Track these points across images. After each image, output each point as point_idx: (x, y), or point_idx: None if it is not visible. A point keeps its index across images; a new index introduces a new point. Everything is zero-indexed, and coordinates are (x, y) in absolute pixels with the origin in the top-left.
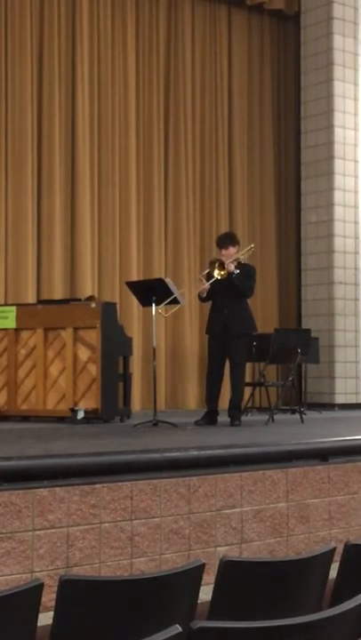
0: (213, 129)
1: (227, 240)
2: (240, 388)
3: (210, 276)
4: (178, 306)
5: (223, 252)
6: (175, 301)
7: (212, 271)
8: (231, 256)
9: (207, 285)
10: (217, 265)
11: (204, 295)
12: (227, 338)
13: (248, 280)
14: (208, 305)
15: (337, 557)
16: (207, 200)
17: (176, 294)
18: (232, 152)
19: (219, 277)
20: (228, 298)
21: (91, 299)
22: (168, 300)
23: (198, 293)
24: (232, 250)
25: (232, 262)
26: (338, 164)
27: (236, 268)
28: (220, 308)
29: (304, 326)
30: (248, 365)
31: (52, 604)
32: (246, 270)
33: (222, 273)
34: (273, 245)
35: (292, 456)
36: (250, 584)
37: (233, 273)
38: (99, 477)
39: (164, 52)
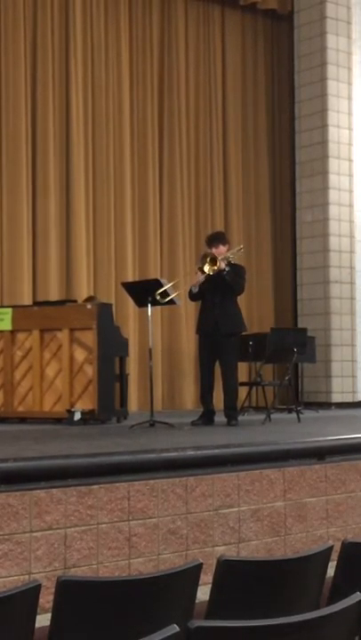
0: (208, 129)
1: (217, 239)
2: (233, 387)
3: (201, 270)
4: (171, 296)
5: (214, 250)
6: (171, 302)
7: (204, 265)
8: (221, 254)
9: (201, 278)
10: (209, 259)
11: (197, 289)
12: (217, 337)
13: (238, 277)
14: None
15: (334, 556)
16: (202, 200)
17: (172, 295)
18: (227, 152)
19: (211, 273)
20: (218, 296)
21: (91, 299)
22: (162, 290)
23: (190, 287)
24: (222, 248)
25: (222, 260)
26: (332, 163)
27: (226, 266)
28: (210, 307)
29: (300, 325)
30: (245, 365)
31: (50, 605)
32: (236, 269)
33: (214, 268)
34: (268, 245)
35: (289, 455)
36: (248, 583)
37: (224, 270)
38: (96, 478)
39: (158, 53)
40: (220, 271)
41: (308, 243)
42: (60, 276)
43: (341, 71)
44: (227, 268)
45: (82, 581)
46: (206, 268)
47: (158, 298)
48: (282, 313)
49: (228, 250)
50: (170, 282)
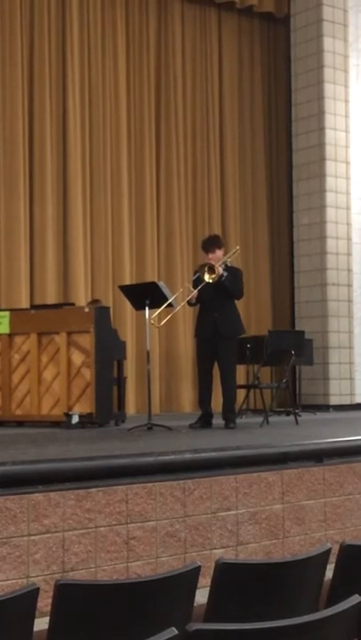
0: (205, 132)
1: (213, 243)
2: (232, 390)
3: (199, 280)
4: (172, 312)
5: (210, 255)
6: (168, 305)
7: (203, 275)
8: (219, 259)
9: (195, 292)
10: (207, 269)
11: (194, 301)
12: (216, 340)
13: (237, 282)
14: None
15: (332, 558)
16: (199, 203)
17: (170, 298)
18: (224, 155)
19: (210, 281)
20: (216, 300)
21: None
22: (164, 306)
23: (188, 300)
24: (219, 253)
25: (220, 265)
26: (329, 166)
27: (224, 270)
28: (209, 311)
29: (298, 328)
30: (242, 368)
31: (49, 608)
32: (234, 273)
33: (213, 276)
34: (266, 248)
35: (287, 458)
36: (246, 586)
37: (223, 275)
38: (94, 481)
39: (155, 56)
40: (219, 277)
41: (305, 245)
42: (58, 279)
43: (338, 74)
44: (225, 274)
45: (80, 585)
46: (206, 277)
47: (153, 322)
48: (279, 315)
49: (224, 253)
50: (167, 284)
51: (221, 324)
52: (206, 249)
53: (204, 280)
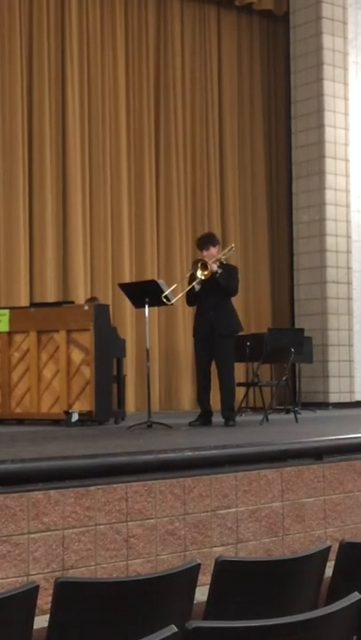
0: (204, 129)
1: (207, 241)
2: (231, 388)
3: (193, 276)
4: (186, 290)
5: (204, 252)
6: (166, 300)
7: (196, 272)
8: (213, 256)
9: (202, 277)
10: (200, 265)
11: (199, 287)
12: (214, 338)
13: (231, 279)
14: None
15: (332, 556)
16: (199, 201)
17: (169, 295)
18: (223, 152)
19: (203, 278)
20: (213, 298)
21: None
22: (162, 295)
23: (193, 285)
24: (213, 250)
25: (214, 262)
26: (329, 164)
27: (218, 267)
28: (205, 310)
29: (297, 326)
30: (242, 365)
31: (48, 606)
32: (229, 270)
33: (205, 273)
34: (265, 245)
35: (287, 455)
36: (246, 584)
37: (216, 272)
38: (93, 479)
39: (154, 53)
40: (212, 274)
41: (304, 243)
42: (57, 277)
43: (337, 71)
44: (219, 270)
45: (80, 583)
46: (199, 273)
47: (165, 300)
48: (279, 313)
49: (219, 250)
50: (166, 282)
51: (218, 322)
52: (200, 246)
53: (197, 276)
